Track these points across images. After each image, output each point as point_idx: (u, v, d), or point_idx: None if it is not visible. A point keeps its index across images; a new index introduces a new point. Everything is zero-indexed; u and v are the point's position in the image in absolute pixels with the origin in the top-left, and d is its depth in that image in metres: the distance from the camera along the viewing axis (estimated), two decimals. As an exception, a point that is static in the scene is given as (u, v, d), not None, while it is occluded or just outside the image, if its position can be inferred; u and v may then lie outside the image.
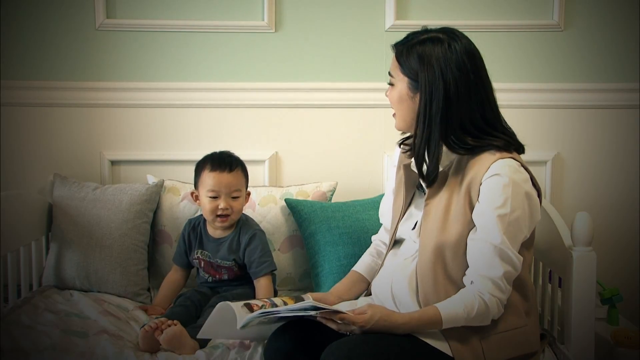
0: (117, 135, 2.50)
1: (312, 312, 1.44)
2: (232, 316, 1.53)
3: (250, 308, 1.54)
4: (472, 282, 1.49)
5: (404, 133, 1.68)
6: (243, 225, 2.08)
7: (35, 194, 2.29)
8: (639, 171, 2.51)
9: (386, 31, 2.44)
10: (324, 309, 1.43)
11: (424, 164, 1.56)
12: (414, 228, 1.63)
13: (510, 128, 1.60)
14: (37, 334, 1.75)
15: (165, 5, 2.45)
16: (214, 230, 2.08)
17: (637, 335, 1.94)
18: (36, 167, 2.47)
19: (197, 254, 2.09)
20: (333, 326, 1.44)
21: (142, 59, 2.47)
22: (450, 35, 1.53)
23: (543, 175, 2.48)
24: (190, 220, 2.15)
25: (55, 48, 2.46)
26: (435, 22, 2.21)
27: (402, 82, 1.56)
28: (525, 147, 1.60)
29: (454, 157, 1.58)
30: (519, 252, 1.50)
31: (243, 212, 2.10)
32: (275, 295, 2.11)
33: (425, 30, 1.56)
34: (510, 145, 1.55)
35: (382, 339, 1.42)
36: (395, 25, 2.43)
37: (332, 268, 2.11)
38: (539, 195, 1.56)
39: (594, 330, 1.71)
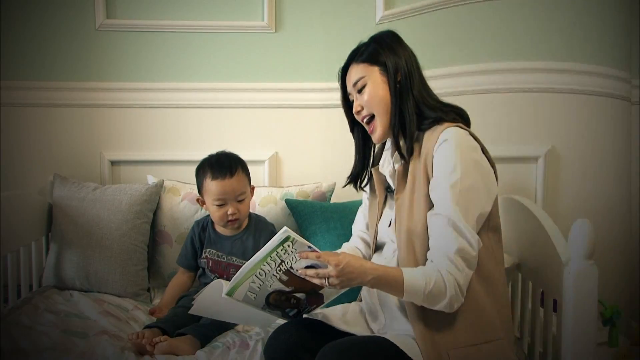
0: (117, 135, 2.50)
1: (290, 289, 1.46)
2: (222, 291, 1.50)
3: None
4: (432, 262, 1.46)
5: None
6: (257, 222, 2.11)
7: (35, 194, 2.29)
8: (647, 169, 2.17)
9: (377, 24, 2.43)
10: (300, 241, 1.40)
11: (400, 140, 1.59)
12: (390, 225, 1.65)
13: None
14: (37, 335, 1.75)
15: (165, 5, 2.46)
16: (224, 229, 2.09)
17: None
18: (36, 167, 2.48)
19: (205, 253, 2.10)
20: (315, 281, 1.43)
21: (142, 60, 2.48)
22: (381, 33, 1.66)
23: (534, 174, 2.12)
24: (198, 222, 2.15)
25: (55, 48, 2.46)
26: (421, 3, 2.13)
27: (373, 73, 1.62)
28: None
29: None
30: (480, 234, 1.46)
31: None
32: None
33: (364, 44, 1.67)
34: (460, 117, 1.59)
35: (371, 343, 1.45)
36: (385, 16, 2.41)
37: (332, 268, 2.11)
38: (495, 173, 1.53)
39: (595, 360, 1.45)
